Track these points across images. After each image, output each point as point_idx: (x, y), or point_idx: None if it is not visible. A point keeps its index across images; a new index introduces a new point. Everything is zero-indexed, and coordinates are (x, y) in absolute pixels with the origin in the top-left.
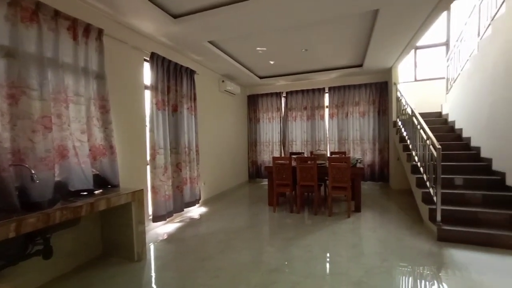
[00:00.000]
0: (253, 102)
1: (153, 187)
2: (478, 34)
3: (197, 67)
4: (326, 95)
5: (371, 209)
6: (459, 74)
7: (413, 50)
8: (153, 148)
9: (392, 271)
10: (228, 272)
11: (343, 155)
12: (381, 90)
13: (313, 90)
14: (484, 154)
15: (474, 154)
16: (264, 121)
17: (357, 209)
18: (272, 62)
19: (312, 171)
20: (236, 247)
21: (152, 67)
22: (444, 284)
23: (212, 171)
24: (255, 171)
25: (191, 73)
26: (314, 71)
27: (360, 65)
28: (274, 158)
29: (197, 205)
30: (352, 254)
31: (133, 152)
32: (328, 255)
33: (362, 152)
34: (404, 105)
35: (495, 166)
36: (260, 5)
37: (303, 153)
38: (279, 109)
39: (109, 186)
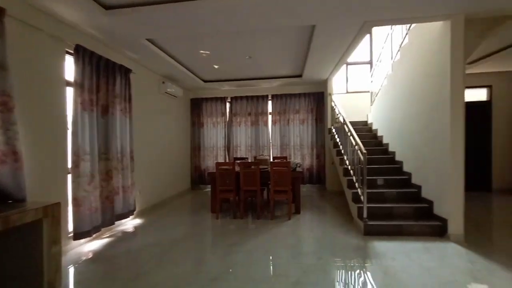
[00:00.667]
0: (197, 106)
1: (75, 199)
2: (391, 57)
3: (134, 66)
4: (270, 102)
5: (310, 210)
6: (379, 89)
7: (345, 65)
8: (76, 154)
9: (326, 267)
10: (164, 287)
11: (285, 160)
12: (318, 100)
13: (257, 97)
14: (397, 158)
15: (391, 158)
16: (209, 125)
17: (297, 211)
18: (216, 67)
19: (255, 176)
20: (175, 259)
21: (77, 61)
22: (368, 272)
23: (150, 179)
24: (199, 178)
25: (126, 71)
26: (258, 78)
27: (300, 76)
28: (218, 164)
29: (131, 216)
30: (292, 255)
31: (49, 159)
32: (270, 257)
33: (301, 157)
34: (337, 114)
35: (405, 168)
36: (199, 6)
37: (247, 158)
38: (223, 114)
39: (11, 201)
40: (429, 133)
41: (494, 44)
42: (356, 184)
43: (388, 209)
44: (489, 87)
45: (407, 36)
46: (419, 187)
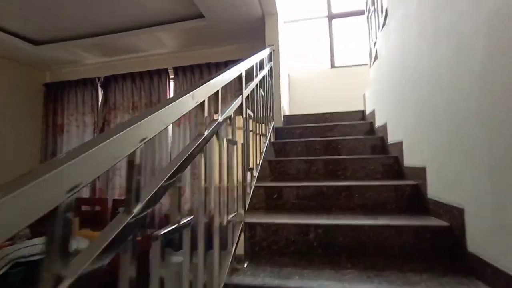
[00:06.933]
0: (53, 96)
1: None
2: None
3: None
4: (171, 84)
5: None
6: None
7: (327, 19)
8: None
9: None
10: None
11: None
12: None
13: (150, 74)
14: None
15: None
16: (72, 129)
17: None
18: None
19: None
20: None
21: None
22: None
23: None
24: None
25: None
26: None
27: (202, 16)
28: None
29: None
30: None
31: None
32: None
33: None
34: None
35: None
36: None
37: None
38: (94, 108)
39: None
40: None
41: None
42: None
43: None
44: None
45: None
46: None
